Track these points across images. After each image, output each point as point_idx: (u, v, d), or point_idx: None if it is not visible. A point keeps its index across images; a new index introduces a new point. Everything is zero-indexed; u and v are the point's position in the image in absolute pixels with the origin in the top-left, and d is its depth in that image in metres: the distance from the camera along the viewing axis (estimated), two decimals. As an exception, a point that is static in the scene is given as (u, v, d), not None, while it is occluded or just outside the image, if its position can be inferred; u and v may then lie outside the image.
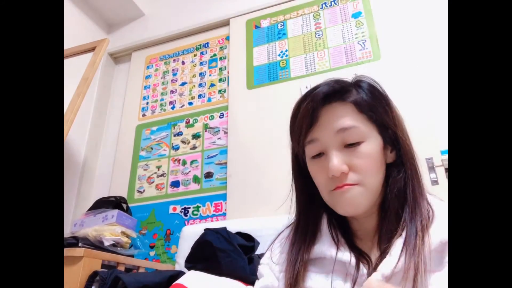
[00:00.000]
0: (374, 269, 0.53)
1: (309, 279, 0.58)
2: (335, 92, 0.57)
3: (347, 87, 0.58)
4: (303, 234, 0.62)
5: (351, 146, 0.55)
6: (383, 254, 0.53)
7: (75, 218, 1.86)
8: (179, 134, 2.01)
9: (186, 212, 1.79)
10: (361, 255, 0.57)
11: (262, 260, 0.68)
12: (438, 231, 0.52)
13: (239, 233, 1.26)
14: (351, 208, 0.55)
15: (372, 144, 0.56)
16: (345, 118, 0.56)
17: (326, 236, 0.60)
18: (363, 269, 0.54)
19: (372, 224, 0.59)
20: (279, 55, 1.94)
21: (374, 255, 0.57)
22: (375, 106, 0.57)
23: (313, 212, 0.63)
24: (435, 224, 0.53)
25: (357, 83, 0.60)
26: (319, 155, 0.58)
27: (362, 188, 0.54)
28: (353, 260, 0.55)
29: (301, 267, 0.58)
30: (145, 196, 1.92)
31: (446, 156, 1.42)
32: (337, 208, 0.57)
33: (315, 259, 0.59)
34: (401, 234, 0.53)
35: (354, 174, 0.54)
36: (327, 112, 0.57)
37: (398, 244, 0.52)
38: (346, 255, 0.56)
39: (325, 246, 0.58)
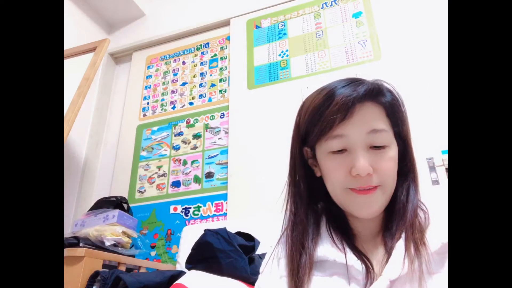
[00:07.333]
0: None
1: (311, 283, 0.56)
2: (372, 91, 0.56)
3: (382, 89, 0.57)
4: (303, 235, 0.59)
5: (377, 148, 0.55)
6: (387, 257, 0.54)
7: (76, 218, 1.86)
8: (180, 134, 2.01)
9: (187, 212, 1.79)
10: (362, 257, 0.56)
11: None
12: (438, 233, 0.52)
13: (239, 233, 1.26)
14: (368, 212, 0.55)
15: (394, 150, 0.56)
16: (379, 121, 0.55)
17: (326, 237, 0.59)
18: (372, 272, 0.53)
19: (375, 224, 0.59)
20: (279, 55, 1.94)
21: (375, 257, 0.56)
22: (397, 113, 0.58)
23: (312, 208, 0.62)
24: (433, 226, 0.54)
25: (384, 87, 0.58)
26: (341, 151, 0.55)
27: (381, 192, 0.54)
28: (358, 263, 0.54)
29: (306, 273, 0.56)
30: (146, 196, 1.92)
31: (447, 156, 1.42)
32: (351, 208, 0.56)
33: (315, 262, 0.58)
34: (401, 237, 0.53)
35: (377, 176, 0.54)
36: (361, 110, 0.54)
37: (399, 247, 0.52)
38: (350, 258, 0.55)
39: (327, 248, 0.57)
